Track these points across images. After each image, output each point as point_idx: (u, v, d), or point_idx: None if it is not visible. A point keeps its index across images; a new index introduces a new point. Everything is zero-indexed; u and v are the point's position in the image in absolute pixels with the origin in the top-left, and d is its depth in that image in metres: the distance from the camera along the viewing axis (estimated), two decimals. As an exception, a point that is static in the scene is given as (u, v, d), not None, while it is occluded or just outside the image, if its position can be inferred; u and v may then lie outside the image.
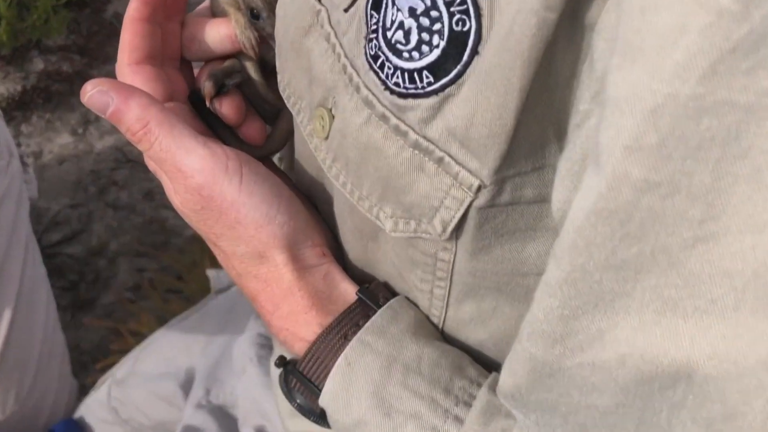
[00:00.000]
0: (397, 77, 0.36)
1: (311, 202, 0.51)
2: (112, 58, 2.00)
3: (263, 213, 0.45)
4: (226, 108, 0.51)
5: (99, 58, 1.86)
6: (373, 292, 0.46)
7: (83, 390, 1.15)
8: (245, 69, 0.54)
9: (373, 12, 0.37)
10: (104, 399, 0.90)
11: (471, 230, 0.38)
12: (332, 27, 0.41)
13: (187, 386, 0.81)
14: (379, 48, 0.36)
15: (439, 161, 0.36)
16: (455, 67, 0.33)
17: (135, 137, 0.45)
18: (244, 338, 0.77)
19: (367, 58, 0.37)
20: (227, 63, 0.54)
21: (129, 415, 0.87)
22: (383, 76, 0.36)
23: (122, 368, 0.90)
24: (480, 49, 0.32)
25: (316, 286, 0.47)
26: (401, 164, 0.37)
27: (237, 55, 0.54)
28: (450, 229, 0.38)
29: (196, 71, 0.56)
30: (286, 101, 0.47)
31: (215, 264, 1.51)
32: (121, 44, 0.51)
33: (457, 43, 0.33)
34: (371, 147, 0.39)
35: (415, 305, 0.46)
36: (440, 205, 0.37)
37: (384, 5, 0.36)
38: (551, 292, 0.31)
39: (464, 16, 0.32)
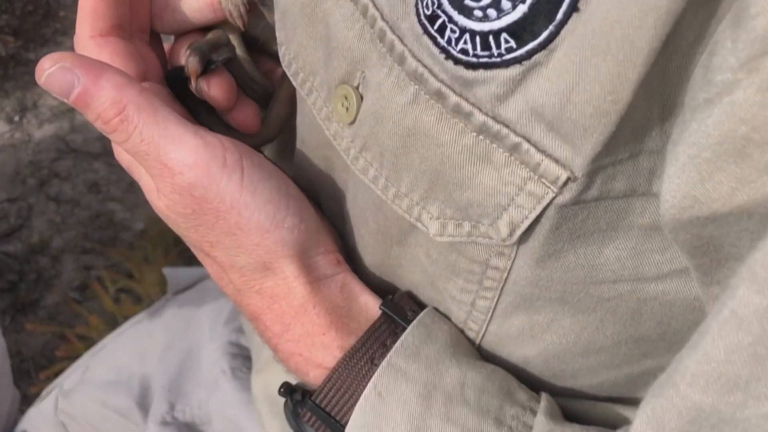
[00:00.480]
0: (465, 42, 0.29)
1: (315, 200, 0.45)
2: (49, 41, 1.93)
3: (269, 215, 0.38)
4: (215, 89, 0.44)
5: (35, 40, 1.75)
6: (399, 305, 0.40)
7: (26, 401, 1.07)
8: (232, 43, 0.47)
9: None
10: (50, 411, 0.82)
11: (543, 233, 0.32)
12: None
13: (143, 398, 0.73)
14: (439, 5, 0.30)
15: (514, 149, 0.30)
16: (546, 27, 0.27)
17: (108, 126, 0.38)
18: (214, 347, 0.69)
19: (419, 20, 0.30)
20: (211, 35, 0.47)
21: (79, 431, 0.79)
22: (443, 42, 0.30)
23: (70, 377, 0.82)
24: (581, 4, 0.26)
25: (333, 300, 0.40)
26: (459, 153, 0.31)
27: (219, 26, 0.47)
28: (519, 232, 0.32)
29: (167, 47, 0.49)
30: (292, 79, 0.40)
31: (171, 261, 1.45)
32: (80, 12, 0.42)
33: None
34: (418, 132, 0.32)
35: (447, 318, 0.40)
36: (510, 203, 0.31)
37: None
38: (743, 325, 0.24)
39: None
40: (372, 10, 0.33)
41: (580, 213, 0.31)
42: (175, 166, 0.37)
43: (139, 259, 1.35)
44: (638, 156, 0.29)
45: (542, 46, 0.27)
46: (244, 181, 0.38)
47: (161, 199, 0.39)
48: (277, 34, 0.41)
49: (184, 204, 0.38)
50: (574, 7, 0.26)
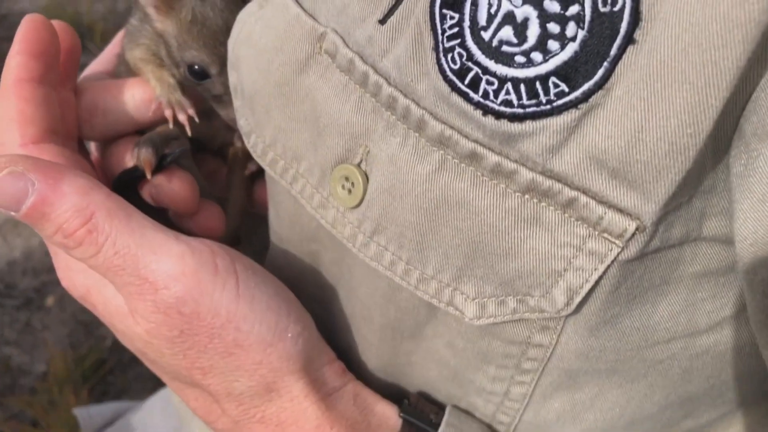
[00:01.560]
0: (507, 93, 0.26)
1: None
2: None
3: (271, 326, 0.34)
4: (179, 186, 0.39)
5: None
6: (418, 409, 0.36)
7: None
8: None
9: (447, 12, 0.27)
10: None
11: (602, 297, 0.29)
12: (354, 51, 0.31)
13: None
14: (469, 57, 0.27)
15: (569, 205, 0.27)
16: (600, 65, 0.24)
17: (71, 239, 0.32)
18: None
19: (444, 77, 0.28)
20: (160, 128, 0.43)
21: None
22: (477, 97, 0.27)
23: None
24: (637, 35, 0.24)
25: (349, 416, 0.35)
26: (502, 219, 0.28)
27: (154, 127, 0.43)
28: (578, 299, 0.29)
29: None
30: (269, 168, 0.36)
31: (82, 400, 1.33)
32: (4, 118, 0.37)
33: (602, 30, 0.24)
34: (449, 202, 0.29)
35: (471, 414, 0.37)
36: (567, 267, 0.28)
37: None
38: None
39: None
40: (374, 76, 0.30)
41: (638, 268, 0.28)
42: (159, 279, 0.32)
43: (43, 404, 1.24)
44: (693, 197, 0.27)
45: (598, 85, 0.25)
46: (240, 288, 0.33)
47: (139, 324, 0.33)
48: (241, 123, 0.37)
49: (170, 325, 0.32)
50: (629, 40, 0.24)
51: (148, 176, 0.39)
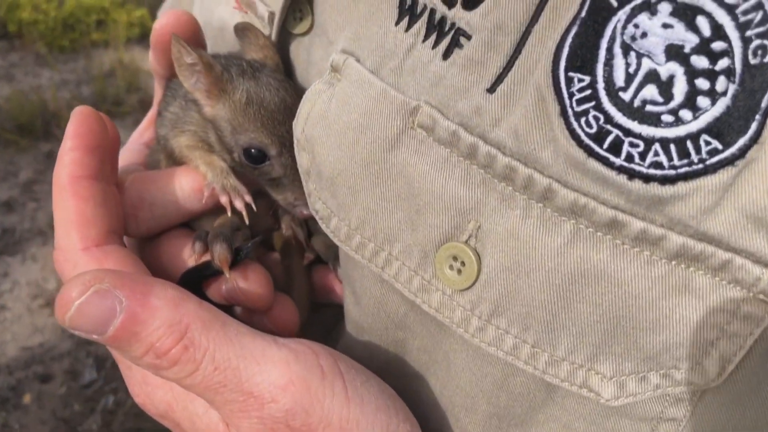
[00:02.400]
0: (656, 154, 0.25)
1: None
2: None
3: (383, 427, 0.31)
4: (255, 282, 0.36)
5: None
6: None
7: None
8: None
9: (575, 75, 0.26)
10: None
11: (752, 362, 0.27)
12: (457, 122, 0.29)
13: None
14: (607, 120, 0.25)
15: (721, 268, 0.25)
16: (753, 118, 0.23)
17: (165, 359, 0.28)
18: None
19: (579, 143, 0.26)
20: (222, 219, 0.41)
21: None
22: (619, 161, 0.25)
23: None
24: None
25: None
26: (648, 289, 0.26)
27: (199, 219, 0.42)
28: (730, 368, 0.26)
29: None
30: (355, 253, 0.34)
31: None
32: (60, 221, 0.34)
33: (753, 82, 0.23)
34: (586, 276, 0.27)
35: None
36: (720, 335, 0.26)
37: (601, 58, 0.25)
38: None
39: (766, 41, 0.23)
40: (485, 147, 0.28)
41: None
42: (265, 392, 0.29)
43: None
44: None
45: (753, 140, 0.24)
46: (349, 391, 0.31)
47: None
48: (316, 207, 0.36)
49: None
50: None
51: (227, 274, 0.37)
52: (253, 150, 0.40)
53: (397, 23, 0.32)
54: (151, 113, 0.56)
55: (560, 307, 0.28)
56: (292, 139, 0.38)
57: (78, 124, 0.36)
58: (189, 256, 0.39)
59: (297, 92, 0.45)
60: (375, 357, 0.37)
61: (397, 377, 0.36)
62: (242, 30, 0.47)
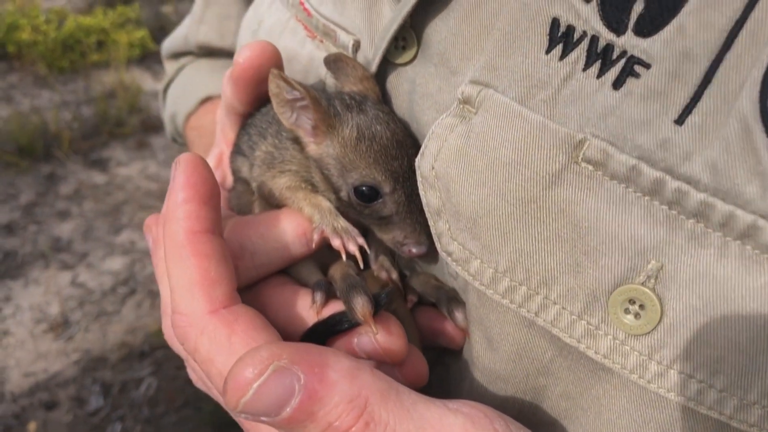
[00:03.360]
0: None
1: None
2: None
3: None
4: (397, 335, 0.34)
5: None
6: None
7: None
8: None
9: None
10: None
11: None
12: (636, 156, 0.27)
13: None
14: None
15: None
16: None
17: None
18: None
19: None
20: (340, 267, 0.39)
21: None
22: None
23: None
24: None
25: None
26: None
27: (303, 263, 0.40)
28: None
29: None
30: (503, 297, 0.32)
31: None
32: (183, 282, 0.32)
33: None
34: None
35: None
36: None
37: None
38: None
39: None
40: (674, 183, 0.26)
41: None
42: None
43: None
44: None
45: None
46: None
47: None
48: (450, 249, 0.34)
49: None
50: None
51: (373, 329, 0.34)
52: (364, 188, 0.38)
53: (548, 51, 0.31)
54: (216, 153, 0.53)
55: (760, 350, 0.26)
56: (405, 174, 0.37)
57: (189, 173, 0.33)
58: (308, 308, 0.37)
59: (404, 125, 0.43)
60: (507, 405, 0.36)
61: (530, 425, 0.34)
62: (335, 61, 0.44)
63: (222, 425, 2.09)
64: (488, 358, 0.36)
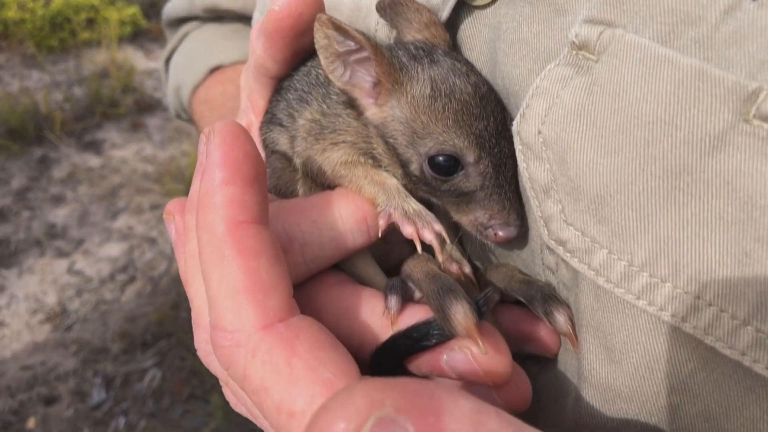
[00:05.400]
0: None
1: None
2: None
3: None
4: (503, 352, 0.29)
5: None
6: None
7: None
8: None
9: None
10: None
11: None
12: None
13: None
14: None
15: None
16: None
17: None
18: None
19: None
20: (419, 261, 0.33)
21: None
22: None
23: None
24: None
25: None
26: None
27: (359, 257, 0.35)
28: None
29: None
30: (633, 297, 0.28)
31: None
32: (225, 290, 0.26)
33: None
34: None
35: None
36: None
37: None
38: None
39: None
40: None
41: None
42: None
43: None
44: None
45: None
46: None
47: None
48: (565, 236, 0.29)
49: None
50: None
51: (480, 346, 0.28)
52: (441, 158, 0.31)
53: None
54: (244, 125, 0.45)
55: None
56: (491, 139, 0.30)
57: (229, 147, 0.27)
58: (380, 315, 0.31)
59: (486, 78, 0.35)
60: (627, 427, 0.30)
61: None
62: (392, 5, 0.37)
63: (231, 419, 2.03)
64: (606, 371, 0.31)
